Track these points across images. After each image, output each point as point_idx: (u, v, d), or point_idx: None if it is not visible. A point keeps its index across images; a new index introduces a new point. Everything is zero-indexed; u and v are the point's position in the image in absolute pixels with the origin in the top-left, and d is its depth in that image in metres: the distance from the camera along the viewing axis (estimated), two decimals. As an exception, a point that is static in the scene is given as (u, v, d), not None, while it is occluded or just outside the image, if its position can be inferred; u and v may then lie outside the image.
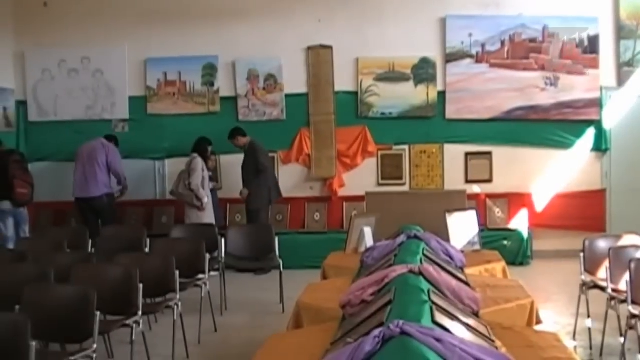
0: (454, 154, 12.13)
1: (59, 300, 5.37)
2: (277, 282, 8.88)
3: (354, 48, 12.16)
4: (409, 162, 12.26)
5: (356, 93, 12.25)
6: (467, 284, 5.35)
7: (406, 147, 12.27)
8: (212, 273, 8.36)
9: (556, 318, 7.80)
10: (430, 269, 4.80)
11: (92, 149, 11.41)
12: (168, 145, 12.57)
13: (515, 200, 11.89)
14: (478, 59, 11.99)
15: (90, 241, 8.88)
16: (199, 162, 11.09)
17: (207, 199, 11.05)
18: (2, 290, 5.71)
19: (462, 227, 7.72)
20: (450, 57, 12.02)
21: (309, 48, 12.31)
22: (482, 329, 4.07)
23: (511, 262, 10.65)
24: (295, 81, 12.32)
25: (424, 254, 5.75)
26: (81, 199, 11.25)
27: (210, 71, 12.50)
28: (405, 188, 12.16)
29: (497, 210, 11.83)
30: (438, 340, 3.11)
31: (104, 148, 11.42)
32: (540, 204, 11.88)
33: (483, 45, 11.96)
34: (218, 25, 12.32)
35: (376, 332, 3.21)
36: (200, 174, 11.01)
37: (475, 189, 11.92)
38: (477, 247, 7.72)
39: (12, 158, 10.34)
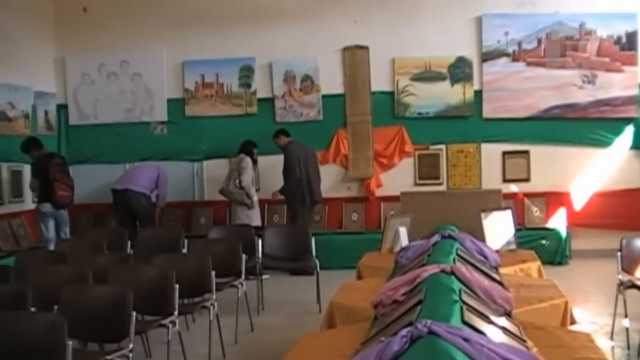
0: (491, 153, 12.07)
1: (96, 301, 5.46)
2: (314, 282, 8.90)
3: (390, 48, 12.16)
4: (446, 161, 12.23)
5: (392, 93, 12.25)
6: (500, 283, 5.34)
7: (443, 146, 12.24)
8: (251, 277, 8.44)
9: (593, 318, 7.73)
10: (462, 269, 4.79)
11: (146, 164, 12.07)
12: (206, 147, 12.69)
13: (553, 199, 11.81)
14: (514, 58, 11.93)
15: (129, 243, 9.01)
16: (248, 161, 11.28)
17: (256, 197, 11.21)
18: (42, 291, 5.78)
19: (498, 227, 7.69)
20: (487, 56, 11.98)
21: (345, 49, 12.34)
22: (513, 328, 4.06)
23: (549, 262, 10.64)
24: (331, 82, 12.35)
25: (457, 254, 5.74)
26: (118, 191, 11.37)
27: (247, 73, 12.58)
28: (443, 188, 12.13)
29: (535, 209, 11.78)
30: (466, 339, 3.10)
31: (157, 168, 11.82)
32: (578, 203, 11.79)
33: (519, 44, 11.91)
34: (254, 27, 12.39)
35: (404, 331, 3.20)
36: (250, 173, 11.25)
37: (513, 188, 11.88)
38: (513, 246, 7.68)
39: (52, 161, 10.48)
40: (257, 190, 11.96)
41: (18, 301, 5.48)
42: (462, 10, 12.02)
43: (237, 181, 11.17)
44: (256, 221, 11.12)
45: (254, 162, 11.54)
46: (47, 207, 10.38)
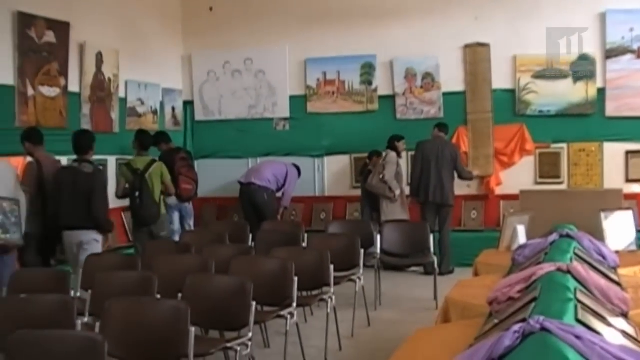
0: (614, 152, 11.80)
1: (218, 290, 5.67)
2: (432, 279, 8.98)
3: (511, 45, 12.01)
4: (567, 160, 12.03)
5: (514, 91, 12.14)
6: (618, 284, 5.30)
7: (564, 145, 12.04)
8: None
9: None
10: (579, 268, 4.77)
11: (275, 162, 12.28)
12: (327, 143, 12.89)
13: (679, 199, 11.49)
14: (639, 55, 11.68)
15: (250, 235, 9.25)
16: (393, 156, 11.38)
17: (399, 191, 11.28)
18: (167, 279, 6.04)
19: (618, 227, 7.56)
20: (611, 53, 11.70)
21: (466, 46, 12.30)
22: (629, 329, 4.04)
23: (674, 264, 10.37)
24: (452, 79, 12.34)
25: (575, 253, 5.70)
26: (243, 184, 11.69)
27: (368, 70, 12.70)
28: (564, 187, 11.93)
29: (659, 210, 11.50)
30: (578, 337, 3.11)
31: (286, 166, 12.06)
32: None
33: (645, 40, 11.65)
34: (376, 25, 12.50)
35: (516, 327, 3.24)
36: (394, 168, 11.28)
37: (636, 188, 11.60)
38: (633, 247, 7.54)
39: (178, 155, 10.79)
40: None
41: (145, 288, 5.78)
42: (585, 6, 11.74)
43: (381, 175, 11.31)
44: (399, 215, 11.14)
45: (399, 157, 11.61)
46: (172, 199, 10.69)
